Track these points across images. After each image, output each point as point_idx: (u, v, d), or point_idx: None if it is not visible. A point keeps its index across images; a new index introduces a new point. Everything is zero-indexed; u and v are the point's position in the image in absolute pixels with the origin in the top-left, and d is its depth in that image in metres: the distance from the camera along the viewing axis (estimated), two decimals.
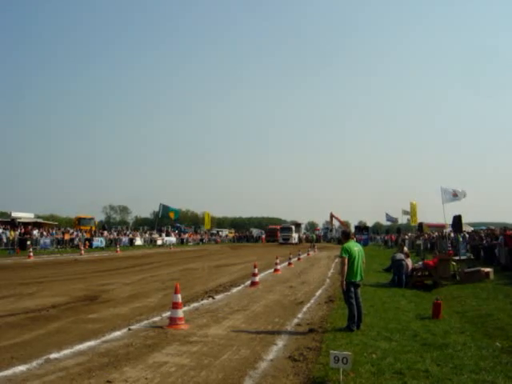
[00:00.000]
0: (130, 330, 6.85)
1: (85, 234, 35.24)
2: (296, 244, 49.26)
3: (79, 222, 39.51)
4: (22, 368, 4.89)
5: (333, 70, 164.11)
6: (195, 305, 9.25)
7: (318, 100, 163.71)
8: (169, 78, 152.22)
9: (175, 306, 7.15)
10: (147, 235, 44.78)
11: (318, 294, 11.29)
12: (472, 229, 29.14)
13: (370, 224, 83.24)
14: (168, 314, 7.54)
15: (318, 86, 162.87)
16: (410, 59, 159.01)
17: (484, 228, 26.53)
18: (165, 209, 48.44)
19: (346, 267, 7.10)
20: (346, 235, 7.75)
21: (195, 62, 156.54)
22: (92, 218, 41.32)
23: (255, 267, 12.91)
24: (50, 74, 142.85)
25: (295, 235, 52.77)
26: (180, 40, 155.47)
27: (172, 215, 49.50)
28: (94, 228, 38.78)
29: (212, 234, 60.20)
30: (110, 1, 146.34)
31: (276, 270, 16.43)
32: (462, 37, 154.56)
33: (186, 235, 52.43)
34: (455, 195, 22.32)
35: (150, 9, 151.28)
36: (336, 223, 68.72)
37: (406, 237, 40.55)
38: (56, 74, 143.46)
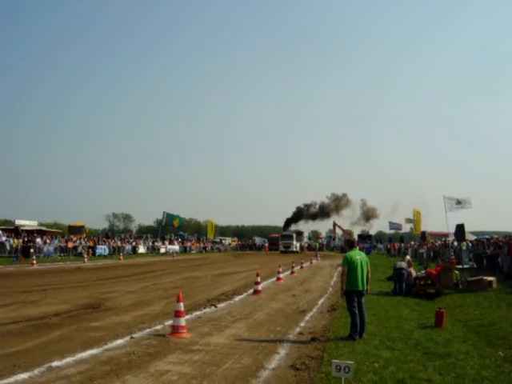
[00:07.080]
0: (132, 338, 6.86)
1: (88, 241, 35.19)
2: (297, 252, 48.93)
3: (69, 230, 38.58)
4: (24, 376, 4.90)
5: (332, 79, 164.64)
6: (198, 313, 9.24)
7: (319, 112, 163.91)
8: (177, 87, 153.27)
9: (178, 314, 7.16)
10: (150, 243, 44.78)
11: (320, 302, 11.27)
12: (475, 237, 29.03)
13: (372, 232, 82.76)
14: (170, 322, 7.55)
15: (319, 100, 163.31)
16: (409, 60, 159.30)
17: (487, 237, 26.39)
18: (169, 217, 48.33)
19: (344, 276, 7.17)
20: (350, 244, 7.79)
21: (201, 71, 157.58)
22: (83, 226, 40.50)
23: (258, 276, 12.90)
24: (56, 85, 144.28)
25: (296, 243, 52.16)
26: (184, 50, 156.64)
27: (176, 223, 49.41)
28: (84, 235, 38.12)
29: (215, 243, 60.11)
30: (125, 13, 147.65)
31: (279, 279, 16.41)
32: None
33: (189, 243, 52.41)
34: (459, 203, 22.25)
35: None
36: (339, 232, 68.68)
37: (409, 245, 40.47)
38: (62, 84, 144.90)
